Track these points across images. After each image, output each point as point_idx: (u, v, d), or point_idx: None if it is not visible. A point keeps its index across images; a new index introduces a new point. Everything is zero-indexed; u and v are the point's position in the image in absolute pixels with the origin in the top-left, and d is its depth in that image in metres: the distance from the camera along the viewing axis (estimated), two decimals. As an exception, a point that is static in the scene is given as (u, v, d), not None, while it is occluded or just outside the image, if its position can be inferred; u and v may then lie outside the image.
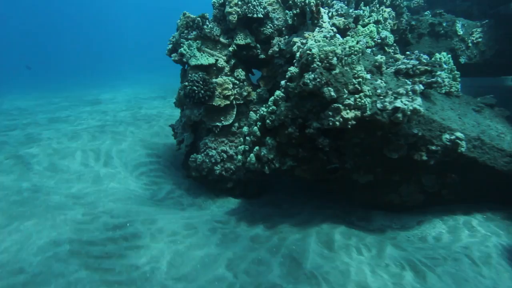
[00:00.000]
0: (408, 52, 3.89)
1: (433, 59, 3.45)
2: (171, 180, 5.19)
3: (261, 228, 3.64)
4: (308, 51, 2.78)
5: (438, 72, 3.38)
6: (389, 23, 4.61)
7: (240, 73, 4.59)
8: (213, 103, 4.32)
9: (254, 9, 4.17)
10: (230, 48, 4.39)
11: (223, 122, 4.55)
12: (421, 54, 3.65)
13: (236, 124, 4.79)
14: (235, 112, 4.64)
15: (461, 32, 5.78)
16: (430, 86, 3.39)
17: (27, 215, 3.04)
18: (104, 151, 5.23)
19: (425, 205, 3.96)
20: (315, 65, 2.72)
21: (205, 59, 4.24)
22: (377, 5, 4.54)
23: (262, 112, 3.40)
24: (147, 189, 4.66)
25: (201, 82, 4.09)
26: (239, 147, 3.77)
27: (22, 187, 3.67)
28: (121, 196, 3.90)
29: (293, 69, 3.10)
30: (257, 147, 3.47)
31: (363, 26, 3.97)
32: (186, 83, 4.08)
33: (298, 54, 3.29)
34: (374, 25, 3.83)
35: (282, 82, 3.31)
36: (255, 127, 3.45)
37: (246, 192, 4.93)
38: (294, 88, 3.03)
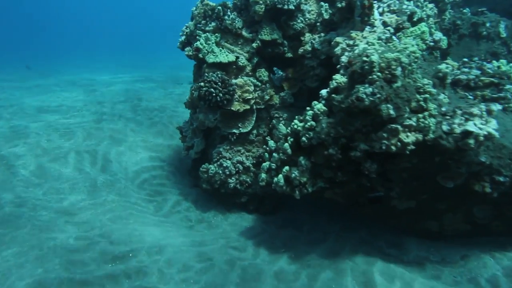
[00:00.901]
0: (465, 59, 3.39)
1: (502, 68, 2.95)
2: (177, 189, 4.70)
3: (285, 260, 3.19)
4: (364, 58, 2.26)
5: (507, 86, 2.89)
6: (431, 21, 4.09)
7: (263, 73, 4.06)
8: (232, 108, 3.80)
9: (284, 0, 3.61)
10: (254, 44, 3.84)
11: (240, 129, 4.05)
12: (483, 62, 3.16)
13: (255, 132, 4.29)
14: (254, 118, 4.13)
15: (504, 35, 5.26)
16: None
17: (7, 240, 2.54)
18: (102, 153, 4.70)
19: (466, 234, 3.54)
20: (374, 76, 2.22)
21: (224, 56, 3.70)
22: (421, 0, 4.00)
23: (295, 126, 2.90)
24: (150, 201, 4.17)
25: (219, 83, 3.56)
26: (263, 164, 3.28)
27: (3, 199, 3.16)
28: (122, 213, 3.41)
29: (339, 78, 2.59)
30: (286, 167, 2.98)
31: (412, 25, 3.43)
32: (202, 84, 3.55)
33: (344, 59, 2.78)
34: (426, 24, 3.30)
35: (323, 92, 2.80)
36: (286, 144, 2.96)
37: (260, 208, 4.48)
38: (341, 101, 2.53)
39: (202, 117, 3.93)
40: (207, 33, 3.71)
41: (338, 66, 2.79)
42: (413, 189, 3.17)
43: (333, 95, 2.58)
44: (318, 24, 3.77)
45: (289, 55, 4.10)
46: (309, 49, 3.68)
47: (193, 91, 3.91)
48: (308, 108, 2.98)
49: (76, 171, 4.14)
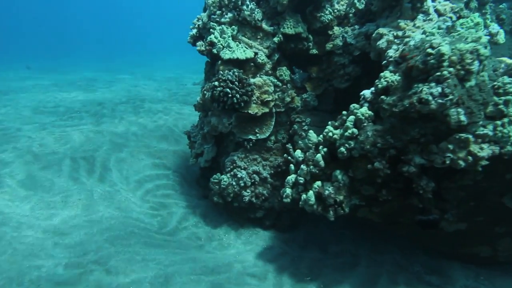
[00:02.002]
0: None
1: None
2: (184, 201, 4.27)
3: (315, 293, 2.73)
4: (429, 50, 1.83)
5: None
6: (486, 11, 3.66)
7: (284, 72, 3.63)
8: (249, 111, 3.38)
9: (313, -13, 3.20)
10: (275, 39, 3.43)
11: (257, 135, 3.62)
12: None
13: (273, 138, 3.86)
14: (273, 123, 3.70)
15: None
16: None
17: (-19, 271, 2.12)
18: (100, 160, 4.29)
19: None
20: (445, 72, 1.78)
21: (241, 52, 3.29)
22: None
23: (330, 134, 2.46)
24: (154, 215, 3.73)
25: (236, 82, 3.14)
26: (288, 177, 2.84)
27: (-18, 216, 2.75)
28: (121, 232, 2.98)
29: (390, 76, 2.15)
30: (318, 183, 2.54)
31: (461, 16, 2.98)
32: (216, 83, 3.13)
33: (392, 53, 2.34)
34: (481, 16, 2.85)
35: (367, 93, 2.36)
36: (319, 155, 2.52)
37: (278, 223, 4.03)
38: (393, 104, 2.08)
39: (215, 121, 3.51)
40: (223, 26, 3.30)
41: (384, 62, 2.35)
42: (469, 210, 2.71)
43: (382, 96, 2.14)
44: (350, 15, 3.34)
45: (314, 51, 3.68)
46: (340, 44, 3.25)
47: (205, 92, 3.49)
48: (344, 113, 2.55)
49: (70, 180, 3.72)
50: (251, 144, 3.71)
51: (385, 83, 2.13)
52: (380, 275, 3.10)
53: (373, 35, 2.65)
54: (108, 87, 10.37)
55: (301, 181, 2.70)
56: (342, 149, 2.31)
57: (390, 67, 2.25)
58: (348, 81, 3.32)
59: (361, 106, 2.39)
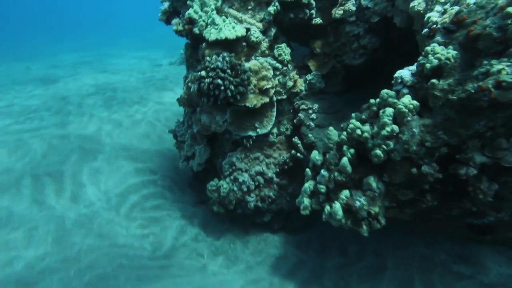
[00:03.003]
0: None
1: None
2: (178, 210, 3.81)
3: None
4: (510, 8, 1.32)
5: None
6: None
7: (284, 50, 3.04)
8: (246, 103, 2.82)
9: None
10: (270, 8, 2.78)
11: (258, 130, 3.10)
12: None
13: (275, 131, 3.36)
14: (275, 114, 3.17)
15: None
16: None
17: None
18: (70, 174, 3.67)
19: None
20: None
21: (230, 30, 2.65)
22: None
23: (357, 132, 1.98)
24: (144, 235, 3.26)
25: (229, 71, 2.54)
26: (305, 185, 2.39)
27: None
28: (107, 268, 2.51)
29: (442, 51, 1.64)
30: (346, 193, 2.11)
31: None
32: (204, 73, 2.52)
33: (438, 17, 1.82)
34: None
35: (406, 75, 1.86)
36: (345, 159, 2.05)
37: (288, 225, 3.68)
38: (450, 90, 1.61)
39: (206, 120, 2.94)
40: (203, -5, 2.61)
41: (425, 30, 1.83)
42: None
43: (433, 80, 1.65)
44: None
45: (318, 21, 3.07)
46: (353, 8, 2.66)
47: (189, 84, 2.87)
48: (373, 101, 2.06)
49: (34, 206, 3.13)
50: (251, 142, 3.20)
51: (436, 61, 1.62)
52: (412, 278, 2.84)
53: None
54: (72, 75, 9.27)
55: (323, 190, 2.26)
56: (378, 151, 1.85)
57: (438, 38, 1.73)
58: (364, 56, 2.79)
59: (398, 92, 1.90)
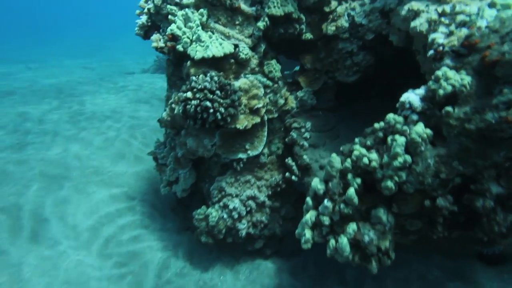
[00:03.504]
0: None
1: None
2: (160, 240, 3.49)
3: None
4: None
5: None
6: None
7: (274, 67, 2.89)
8: (237, 125, 2.61)
9: (306, -51, 2.42)
10: (260, 24, 2.62)
11: (249, 152, 2.91)
12: None
13: (266, 151, 3.18)
14: (266, 133, 3.00)
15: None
16: None
17: None
18: (30, 208, 3.21)
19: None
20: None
21: (217, 46, 2.44)
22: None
23: (365, 160, 1.85)
24: (122, 275, 2.91)
25: (217, 91, 2.32)
26: (306, 216, 2.22)
27: None
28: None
29: (455, 77, 1.56)
30: (353, 226, 1.97)
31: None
32: (190, 95, 2.28)
33: (443, 39, 1.75)
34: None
35: (414, 100, 1.78)
36: (351, 190, 1.91)
37: (281, 250, 3.50)
38: (466, 119, 1.52)
39: (193, 144, 2.68)
40: (186, 10, 2.38)
41: (431, 52, 1.75)
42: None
43: (447, 108, 1.55)
44: (355, -14, 2.65)
45: (308, 36, 2.96)
46: (346, 25, 2.58)
47: (172, 105, 2.60)
48: (378, 126, 1.95)
49: (-12, 251, 2.65)
50: (241, 165, 2.99)
51: (450, 87, 1.54)
52: (415, 301, 2.77)
53: (402, 12, 2.01)
54: (31, 85, 8.45)
55: (326, 222, 2.10)
56: (390, 184, 1.72)
57: (447, 61, 1.65)
58: (357, 73, 2.71)
59: (406, 118, 1.80)
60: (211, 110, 2.36)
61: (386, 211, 1.90)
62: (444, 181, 1.67)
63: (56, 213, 3.20)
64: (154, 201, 3.94)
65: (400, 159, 1.68)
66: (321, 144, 3.03)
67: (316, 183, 2.21)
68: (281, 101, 3.04)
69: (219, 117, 2.40)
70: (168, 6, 2.39)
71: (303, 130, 3.13)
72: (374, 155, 1.85)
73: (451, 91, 1.54)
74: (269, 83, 2.89)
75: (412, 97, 1.75)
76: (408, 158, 1.68)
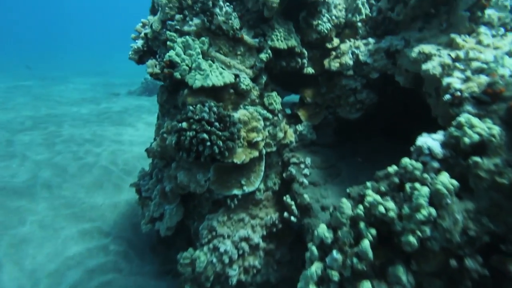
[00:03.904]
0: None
1: None
2: (135, 287, 3.02)
3: None
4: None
5: None
6: None
7: (275, 99, 2.78)
8: (234, 159, 2.40)
9: (311, -14, 2.43)
10: (262, 55, 2.53)
11: (245, 188, 2.68)
12: None
13: (262, 186, 2.96)
14: (263, 168, 2.80)
15: None
16: None
17: None
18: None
19: None
20: None
21: (217, 76, 2.30)
22: None
23: (381, 209, 1.68)
24: (88, 334, 2.43)
25: (216, 123, 2.13)
26: (312, 268, 1.97)
27: None
28: None
29: (480, 125, 1.48)
30: (367, 284, 1.73)
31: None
32: (185, 125, 2.08)
33: (460, 84, 1.69)
34: None
35: (434, 146, 1.67)
36: (366, 243, 1.71)
37: (274, 297, 3.13)
38: (497, 172, 1.41)
39: (184, 178, 2.42)
40: (187, 37, 2.25)
41: (447, 97, 1.68)
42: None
43: (475, 158, 1.43)
44: (358, 24, 2.66)
45: (310, 70, 2.91)
46: (350, 62, 2.54)
47: (164, 135, 2.37)
48: (392, 170, 1.81)
49: None
50: (235, 202, 2.73)
51: (477, 136, 1.43)
52: None
53: (412, 54, 1.98)
54: (4, 102, 7.90)
55: (335, 278, 1.85)
56: (411, 239, 1.54)
57: (467, 107, 1.58)
58: (360, 110, 2.64)
59: (425, 164, 1.66)
60: (208, 143, 2.15)
61: (404, 270, 1.70)
62: (473, 239, 1.51)
63: (11, 256, 2.72)
64: (131, 239, 3.51)
65: (424, 212, 1.52)
66: (322, 182, 2.86)
67: (323, 230, 1.99)
68: (281, 135, 2.89)
69: (217, 150, 2.19)
70: (168, 32, 2.26)
71: (302, 166, 2.95)
72: (391, 204, 1.68)
73: (478, 140, 1.44)
74: (269, 115, 2.75)
75: (431, 142, 1.63)
76: (433, 211, 1.52)
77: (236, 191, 2.66)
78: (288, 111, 3.41)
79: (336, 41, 2.86)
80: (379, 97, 2.62)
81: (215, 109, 2.22)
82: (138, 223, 3.48)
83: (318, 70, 2.97)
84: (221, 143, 2.19)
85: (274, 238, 3.01)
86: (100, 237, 3.39)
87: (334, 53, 2.78)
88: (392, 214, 1.66)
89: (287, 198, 2.79)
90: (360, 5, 2.67)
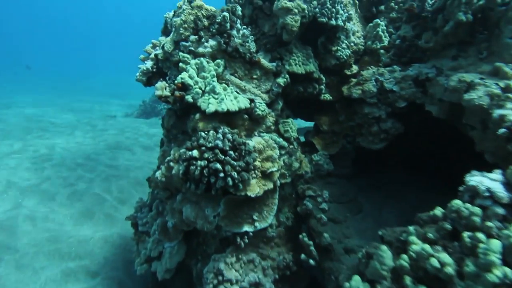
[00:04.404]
0: None
1: None
2: None
3: None
4: None
5: None
6: None
7: (291, 126, 2.60)
8: (248, 192, 2.15)
9: (331, 10, 2.35)
10: (280, 80, 2.39)
11: (256, 224, 2.40)
12: None
13: (274, 222, 2.67)
14: (277, 201, 2.54)
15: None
16: None
17: None
18: None
19: None
20: None
21: (232, 100, 2.13)
22: None
23: (434, 262, 1.43)
24: None
25: (231, 152, 1.91)
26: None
27: None
28: None
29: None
30: None
31: None
32: (196, 153, 1.86)
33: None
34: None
35: (495, 187, 1.45)
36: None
37: None
38: None
39: (191, 213, 2.15)
40: (202, 59, 2.10)
41: (503, 131, 1.50)
42: None
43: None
44: (380, 51, 2.57)
45: (328, 97, 2.77)
46: (374, 90, 2.40)
47: (171, 163, 2.13)
48: (439, 213, 1.59)
49: None
50: (246, 240, 2.43)
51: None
52: None
53: (451, 83, 1.83)
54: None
55: None
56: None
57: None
58: (385, 140, 2.46)
59: (485, 209, 1.44)
60: (222, 174, 1.91)
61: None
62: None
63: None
64: (123, 280, 3.11)
65: (498, 272, 1.26)
66: (342, 218, 2.59)
67: (358, 284, 1.70)
68: (296, 165, 2.67)
69: (230, 183, 1.95)
70: (180, 53, 2.12)
71: (319, 199, 2.70)
72: (446, 257, 1.42)
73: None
74: (284, 144, 2.55)
75: (489, 183, 1.43)
76: (509, 272, 1.27)
77: (247, 228, 2.37)
78: (302, 138, 3.23)
79: (355, 67, 2.75)
80: (408, 128, 2.45)
81: (229, 136, 2.02)
82: (132, 261, 3.11)
83: (335, 97, 2.84)
84: (236, 175, 1.95)
85: (287, 283, 2.67)
86: (87, 278, 2.99)
87: (354, 79, 2.66)
88: (449, 270, 1.40)
89: (304, 237, 2.49)
90: (381, 32, 2.60)
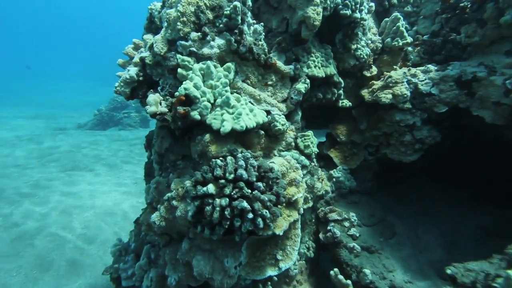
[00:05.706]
0: None
1: None
2: None
3: None
4: None
5: None
6: None
7: (312, 140, 2.28)
8: (275, 230, 1.78)
9: (355, 1, 2.11)
10: (300, 86, 2.07)
11: (281, 264, 2.06)
12: None
13: (297, 258, 2.32)
14: (299, 232, 2.21)
15: None
16: None
17: None
18: None
19: None
20: None
21: (248, 115, 1.76)
22: None
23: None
24: None
25: (259, 183, 1.53)
26: None
27: None
28: None
29: None
30: None
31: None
32: (212, 189, 1.47)
33: None
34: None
35: None
36: None
37: None
38: None
39: (206, 267, 1.72)
40: (208, 62, 1.68)
41: None
42: None
43: None
44: (408, 48, 2.37)
45: (347, 103, 2.50)
46: (407, 93, 2.17)
47: (173, 201, 1.67)
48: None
49: None
50: (270, 285, 2.05)
51: None
52: None
53: (509, 84, 1.64)
54: None
55: None
56: None
57: None
58: (419, 151, 2.24)
59: None
60: (251, 215, 1.51)
61: None
62: None
63: None
64: None
65: None
66: (377, 246, 2.32)
67: None
68: (318, 185, 2.36)
69: (261, 224, 1.55)
70: (178, 56, 1.67)
71: (347, 224, 2.41)
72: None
73: None
74: (306, 162, 2.21)
75: None
76: None
77: (271, 272, 1.99)
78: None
79: (374, 68, 2.52)
80: (448, 137, 2.26)
81: (253, 161, 1.62)
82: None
83: (353, 102, 2.58)
84: (267, 213, 1.56)
85: (315, 329, 2.34)
86: None
87: (375, 82, 2.43)
88: None
89: (337, 275, 2.17)
90: (402, 28, 2.40)
